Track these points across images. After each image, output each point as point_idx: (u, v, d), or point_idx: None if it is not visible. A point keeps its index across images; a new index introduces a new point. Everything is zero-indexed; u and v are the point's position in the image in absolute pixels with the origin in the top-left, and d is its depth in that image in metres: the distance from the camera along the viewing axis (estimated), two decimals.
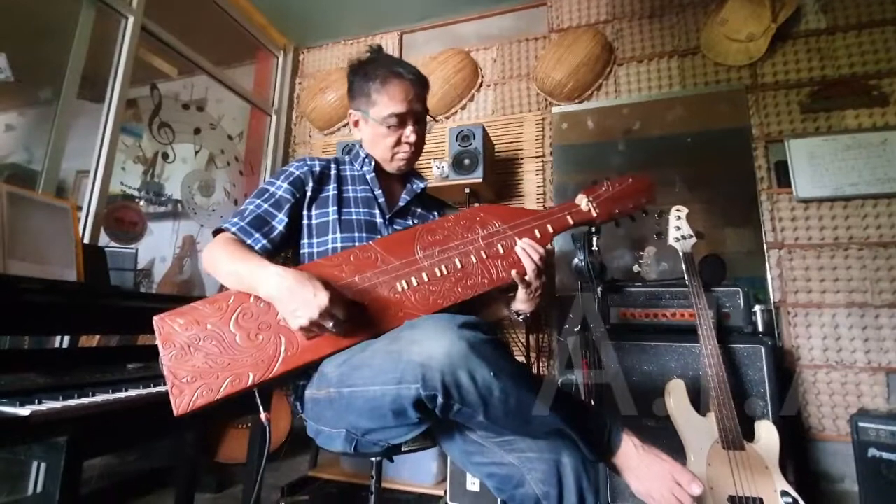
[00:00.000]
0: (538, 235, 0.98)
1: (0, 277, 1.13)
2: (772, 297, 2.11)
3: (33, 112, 2.06)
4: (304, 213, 1.04)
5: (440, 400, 0.69)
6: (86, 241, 1.91)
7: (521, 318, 1.04)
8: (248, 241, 0.95)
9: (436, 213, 1.19)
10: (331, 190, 1.06)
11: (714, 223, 2.23)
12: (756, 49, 2.30)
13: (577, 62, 2.49)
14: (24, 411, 0.84)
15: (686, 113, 2.39)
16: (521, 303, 1.01)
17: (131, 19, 2.20)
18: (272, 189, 1.02)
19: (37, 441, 0.91)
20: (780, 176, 2.19)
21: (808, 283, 2.10)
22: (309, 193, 1.04)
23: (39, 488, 1.72)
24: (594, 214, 1.04)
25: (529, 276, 0.95)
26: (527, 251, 0.95)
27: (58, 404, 0.91)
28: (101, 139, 2.07)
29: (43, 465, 1.64)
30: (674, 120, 2.40)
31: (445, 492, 1.85)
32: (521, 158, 2.63)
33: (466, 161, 2.25)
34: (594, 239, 1.69)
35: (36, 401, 0.89)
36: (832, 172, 2.10)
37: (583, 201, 1.05)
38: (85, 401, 0.96)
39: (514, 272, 0.94)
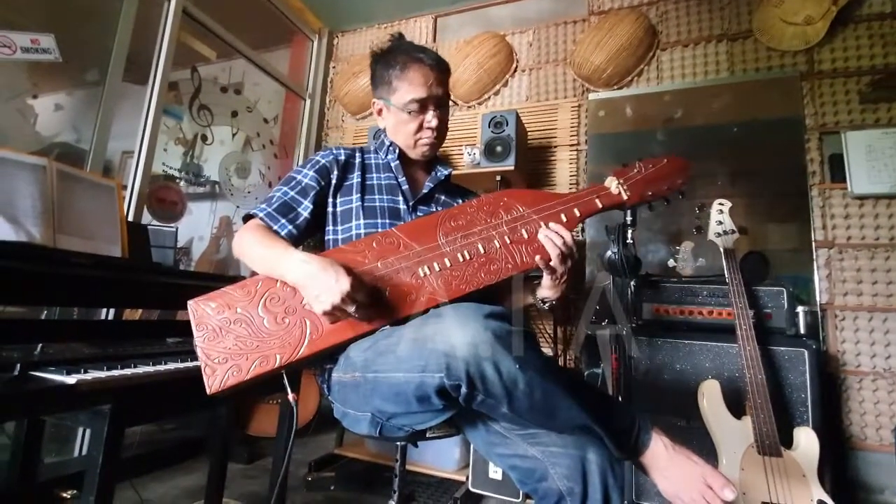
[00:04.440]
0: (564, 220, 0.95)
1: (51, 251, 1.19)
2: (818, 299, 2.00)
3: (81, 93, 2.13)
4: (329, 200, 1.06)
5: (464, 390, 0.69)
6: (129, 218, 1.98)
7: (546, 306, 1.01)
8: (275, 227, 0.99)
9: (460, 200, 1.17)
10: (355, 178, 1.08)
11: (758, 218, 2.12)
12: (814, 33, 2.15)
13: (617, 46, 2.39)
14: (71, 379, 0.89)
15: (733, 101, 2.26)
16: (547, 289, 0.98)
17: (173, 2, 2.24)
18: (298, 177, 1.05)
19: (82, 408, 0.95)
20: (834, 170, 2.06)
21: (859, 285, 1.97)
22: (334, 182, 1.06)
23: (84, 451, 1.84)
24: (624, 197, 0.99)
25: (554, 261, 0.91)
26: (550, 237, 0.91)
27: (102, 374, 0.95)
28: (145, 121, 2.13)
29: (88, 431, 1.76)
30: (719, 108, 2.28)
31: (468, 478, 1.86)
32: (555, 146, 2.56)
33: (498, 148, 2.21)
34: (629, 231, 1.64)
35: (82, 370, 0.93)
36: (892, 168, 1.96)
37: (612, 184, 1.00)
38: (127, 371, 1.00)
39: (537, 257, 0.91)
